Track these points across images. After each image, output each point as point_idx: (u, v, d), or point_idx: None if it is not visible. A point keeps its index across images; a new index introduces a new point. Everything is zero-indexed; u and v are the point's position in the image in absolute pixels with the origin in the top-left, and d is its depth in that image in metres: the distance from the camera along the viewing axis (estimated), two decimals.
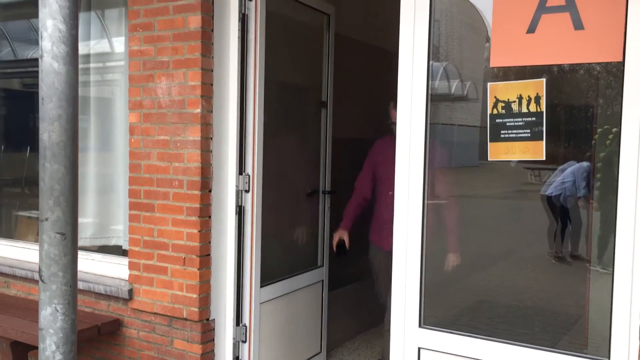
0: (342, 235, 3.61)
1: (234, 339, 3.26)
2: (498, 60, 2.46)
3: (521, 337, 2.49)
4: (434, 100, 2.65)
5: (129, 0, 3.29)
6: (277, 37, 3.38)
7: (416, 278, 2.65)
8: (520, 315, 2.64)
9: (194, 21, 3.07)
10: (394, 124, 2.81)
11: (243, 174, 3.23)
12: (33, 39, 4.18)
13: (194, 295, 3.15)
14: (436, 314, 2.73)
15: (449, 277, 2.85)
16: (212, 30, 3.12)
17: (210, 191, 3.18)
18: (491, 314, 2.67)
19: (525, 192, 2.64)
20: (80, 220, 1.71)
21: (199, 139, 3.09)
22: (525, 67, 2.42)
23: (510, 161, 2.48)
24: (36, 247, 3.68)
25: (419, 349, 2.65)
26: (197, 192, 3.12)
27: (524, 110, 2.39)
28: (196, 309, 3.15)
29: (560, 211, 2.62)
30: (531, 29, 2.35)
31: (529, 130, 2.38)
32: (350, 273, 4.41)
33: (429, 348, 2.62)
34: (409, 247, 2.66)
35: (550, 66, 2.41)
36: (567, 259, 2.59)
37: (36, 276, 3.54)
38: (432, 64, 2.61)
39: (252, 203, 3.24)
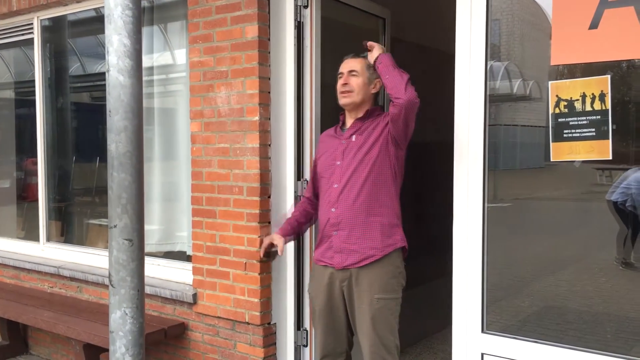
0: (274, 239, 2.90)
1: (295, 343, 3.29)
2: (559, 57, 2.38)
3: (592, 344, 2.40)
4: (495, 100, 2.61)
5: (189, 13, 3.40)
6: (332, 43, 3.39)
7: (477, 282, 2.60)
8: (590, 321, 2.54)
9: (251, 31, 3.13)
10: (346, 94, 2.70)
11: (301, 179, 3.26)
12: (100, 53, 4.37)
13: (255, 300, 3.20)
14: (501, 319, 2.66)
15: (515, 282, 2.77)
16: (269, 39, 3.17)
17: (269, 197, 3.22)
18: (559, 320, 2.58)
19: (594, 193, 2.54)
20: (146, 227, 1.77)
21: (258, 146, 3.14)
22: (591, 63, 2.33)
23: (574, 161, 2.39)
24: (106, 253, 3.84)
25: (482, 354, 2.59)
26: (257, 198, 3.17)
27: (588, 108, 2.30)
28: (258, 313, 3.20)
29: (629, 217, 2.50)
30: (593, 25, 2.26)
31: (593, 129, 2.29)
32: (410, 277, 4.36)
33: (493, 354, 2.56)
34: (470, 251, 2.61)
35: (618, 61, 2.32)
36: (636, 265, 2.46)
37: (106, 281, 3.68)
38: (491, 64, 2.56)
39: None
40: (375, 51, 2.69)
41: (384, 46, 3.82)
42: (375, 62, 2.65)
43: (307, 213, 2.94)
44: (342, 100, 2.74)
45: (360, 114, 2.73)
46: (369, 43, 2.74)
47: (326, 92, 3.31)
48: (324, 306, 2.72)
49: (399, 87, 2.49)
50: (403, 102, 2.48)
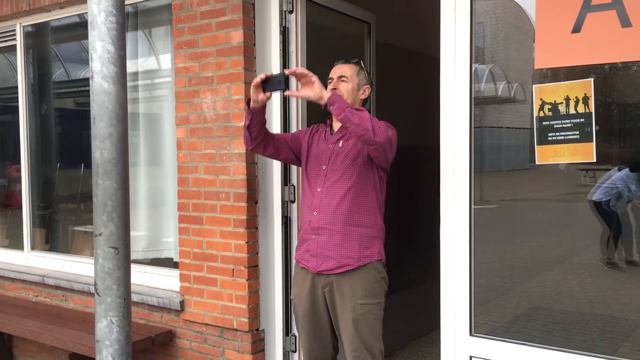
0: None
1: (283, 349, 3.28)
2: (543, 61, 2.41)
3: (578, 344, 2.41)
4: (480, 103, 2.63)
5: (173, 18, 3.38)
6: (318, 47, 3.40)
7: (465, 285, 2.61)
8: (577, 322, 2.56)
9: (237, 36, 3.12)
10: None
11: (288, 184, 3.25)
12: (84, 59, 4.34)
13: (244, 306, 3.18)
14: (489, 321, 2.67)
15: (501, 283, 2.79)
16: (254, 45, 3.17)
17: (256, 203, 3.21)
18: (546, 321, 2.59)
19: (579, 194, 2.56)
20: (132, 233, 1.76)
21: (244, 151, 3.14)
22: (574, 66, 2.36)
23: (558, 164, 2.41)
24: (92, 261, 3.80)
25: (471, 357, 2.60)
26: (244, 204, 3.16)
27: (572, 111, 2.32)
28: (246, 320, 3.18)
29: (612, 217, 2.52)
30: (576, 29, 2.29)
31: (577, 132, 2.31)
32: (400, 280, 4.37)
33: (482, 357, 2.57)
34: (457, 253, 2.62)
35: (601, 64, 2.34)
36: (620, 265, 2.49)
37: (92, 289, 3.65)
38: (476, 66, 2.58)
39: (298, 213, 3.26)
40: (318, 89, 2.46)
41: (370, 50, 3.85)
42: (326, 104, 2.45)
43: (268, 132, 2.76)
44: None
45: None
46: (299, 71, 2.49)
47: None
48: (307, 312, 2.71)
49: (367, 134, 2.38)
50: (378, 146, 2.44)
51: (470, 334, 2.61)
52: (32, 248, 4.50)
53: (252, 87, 2.55)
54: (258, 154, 3.18)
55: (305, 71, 2.47)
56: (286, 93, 2.59)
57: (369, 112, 2.62)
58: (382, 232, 2.70)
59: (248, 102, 2.63)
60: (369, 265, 2.61)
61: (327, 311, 2.69)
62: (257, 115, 2.64)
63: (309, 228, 2.67)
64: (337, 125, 2.77)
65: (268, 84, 2.52)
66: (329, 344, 2.75)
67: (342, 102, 2.43)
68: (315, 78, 2.45)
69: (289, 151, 2.83)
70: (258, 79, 2.51)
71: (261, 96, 2.55)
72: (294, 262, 3.24)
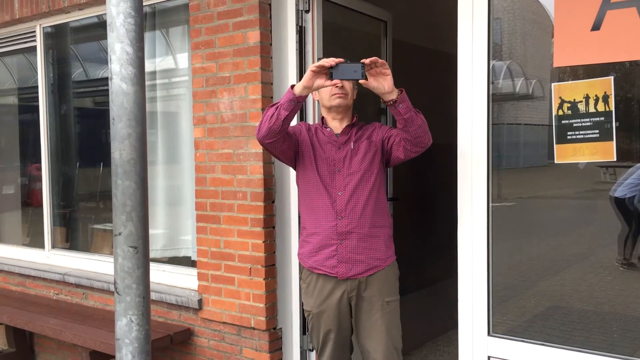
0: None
1: (301, 347, 3.28)
2: (562, 59, 2.38)
3: (599, 345, 2.38)
4: (497, 100, 2.61)
5: (190, 19, 3.40)
6: (334, 46, 3.39)
7: (483, 284, 2.60)
8: (596, 322, 2.53)
9: (253, 36, 3.13)
10: (342, 96, 2.55)
11: None
12: (103, 59, 4.38)
13: (261, 305, 3.20)
14: (507, 320, 2.66)
15: (520, 282, 2.77)
16: (271, 44, 3.18)
17: (273, 202, 3.22)
18: (565, 320, 2.57)
19: (598, 191, 2.53)
20: (150, 231, 1.78)
21: (261, 151, 3.15)
22: (594, 64, 2.33)
23: (578, 163, 2.39)
24: (111, 259, 3.85)
25: (489, 357, 2.58)
26: (261, 204, 3.17)
27: (592, 110, 2.29)
28: (263, 319, 3.19)
29: (633, 214, 2.48)
30: (596, 26, 2.26)
31: (597, 131, 2.28)
32: (416, 279, 4.36)
33: (500, 357, 2.55)
34: (474, 251, 2.61)
35: (622, 62, 2.31)
36: (638, 265, 2.45)
37: (112, 288, 3.69)
38: (494, 63, 2.56)
39: None
40: (392, 82, 2.35)
41: (386, 48, 3.84)
42: (393, 101, 2.35)
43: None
44: (337, 102, 2.59)
45: (349, 120, 2.67)
46: (381, 61, 2.34)
47: None
48: (336, 327, 2.63)
49: (425, 136, 2.42)
50: (424, 150, 2.46)
51: (489, 334, 2.59)
52: (53, 246, 4.57)
53: (310, 71, 2.32)
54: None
55: (383, 62, 2.34)
56: (361, 81, 2.36)
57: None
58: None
59: (292, 87, 2.41)
60: (392, 264, 2.67)
61: (350, 317, 2.65)
62: (299, 105, 2.44)
63: (333, 234, 2.57)
64: (334, 125, 2.66)
65: (337, 71, 2.34)
66: (348, 349, 2.75)
67: (408, 101, 2.39)
68: (389, 71, 2.36)
69: (291, 149, 2.66)
70: (328, 63, 2.30)
71: (320, 82, 2.34)
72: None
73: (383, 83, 2.34)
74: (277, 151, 2.61)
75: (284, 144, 2.57)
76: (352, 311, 2.65)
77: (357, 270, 2.58)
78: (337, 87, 2.58)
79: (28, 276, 4.51)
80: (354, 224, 2.56)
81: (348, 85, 2.64)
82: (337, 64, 2.31)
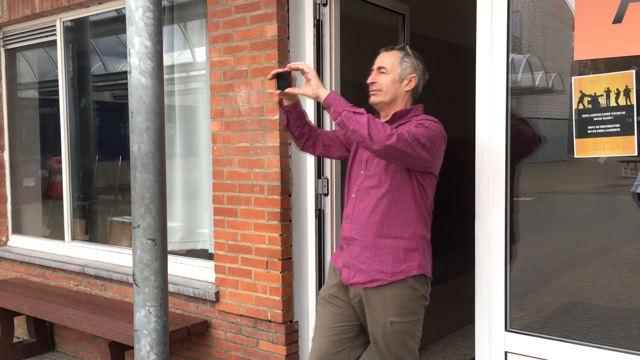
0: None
1: None
2: (582, 52, 2.34)
3: (618, 341, 2.36)
4: (517, 93, 2.58)
5: (208, 13, 3.41)
6: (351, 39, 3.38)
7: (501, 279, 2.58)
8: (615, 318, 2.50)
9: (271, 30, 3.13)
10: (374, 92, 2.41)
11: (322, 177, 3.26)
12: (122, 52, 4.42)
13: (277, 298, 3.21)
14: (524, 315, 2.64)
15: (538, 277, 2.74)
16: (288, 38, 3.18)
17: (290, 195, 3.23)
18: (584, 316, 2.55)
19: (619, 186, 2.49)
20: (168, 224, 1.79)
21: (278, 144, 3.15)
22: (615, 57, 2.29)
23: (598, 158, 2.35)
24: (130, 251, 3.88)
25: (506, 353, 2.57)
26: (278, 197, 3.18)
27: (613, 104, 2.26)
28: (279, 311, 3.21)
29: None
30: (618, 19, 2.22)
31: (618, 125, 2.25)
32: (433, 272, 4.34)
33: (517, 352, 2.54)
34: (492, 246, 2.59)
35: None
36: None
37: (130, 279, 3.73)
38: (513, 56, 2.54)
39: (332, 206, 3.26)
40: (315, 86, 2.28)
41: (404, 42, 3.81)
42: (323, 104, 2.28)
43: (313, 129, 2.62)
44: (370, 99, 2.46)
45: (388, 117, 2.45)
46: (301, 66, 2.33)
47: (346, 89, 3.31)
48: (338, 303, 2.51)
49: (364, 141, 2.16)
50: (378, 154, 2.19)
51: (506, 329, 2.58)
52: (73, 238, 4.63)
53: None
54: (291, 148, 3.19)
55: (304, 65, 2.29)
56: (287, 90, 2.37)
57: (421, 107, 2.46)
58: (423, 244, 2.42)
59: (280, 103, 2.50)
60: (403, 282, 2.36)
61: (357, 315, 2.49)
62: (291, 114, 2.47)
63: (342, 236, 2.48)
64: None
65: (280, 81, 2.37)
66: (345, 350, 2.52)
67: (339, 104, 2.21)
68: (312, 75, 2.26)
69: (342, 148, 2.61)
70: (269, 76, 2.38)
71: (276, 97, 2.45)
72: (328, 257, 3.25)
73: (307, 89, 2.29)
74: (335, 157, 2.72)
75: (333, 151, 2.65)
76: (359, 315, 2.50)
77: (358, 279, 2.40)
78: (369, 83, 2.46)
79: (48, 267, 4.59)
80: (357, 230, 2.40)
81: (383, 80, 2.42)
82: (278, 74, 2.38)
